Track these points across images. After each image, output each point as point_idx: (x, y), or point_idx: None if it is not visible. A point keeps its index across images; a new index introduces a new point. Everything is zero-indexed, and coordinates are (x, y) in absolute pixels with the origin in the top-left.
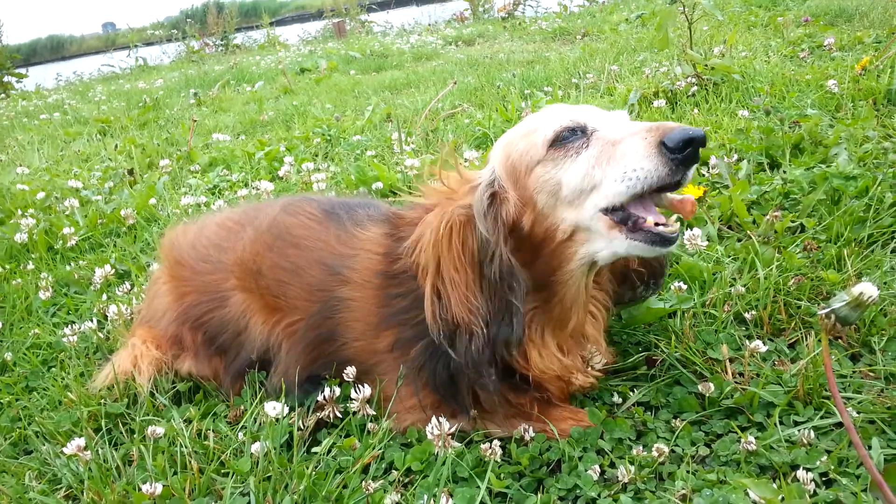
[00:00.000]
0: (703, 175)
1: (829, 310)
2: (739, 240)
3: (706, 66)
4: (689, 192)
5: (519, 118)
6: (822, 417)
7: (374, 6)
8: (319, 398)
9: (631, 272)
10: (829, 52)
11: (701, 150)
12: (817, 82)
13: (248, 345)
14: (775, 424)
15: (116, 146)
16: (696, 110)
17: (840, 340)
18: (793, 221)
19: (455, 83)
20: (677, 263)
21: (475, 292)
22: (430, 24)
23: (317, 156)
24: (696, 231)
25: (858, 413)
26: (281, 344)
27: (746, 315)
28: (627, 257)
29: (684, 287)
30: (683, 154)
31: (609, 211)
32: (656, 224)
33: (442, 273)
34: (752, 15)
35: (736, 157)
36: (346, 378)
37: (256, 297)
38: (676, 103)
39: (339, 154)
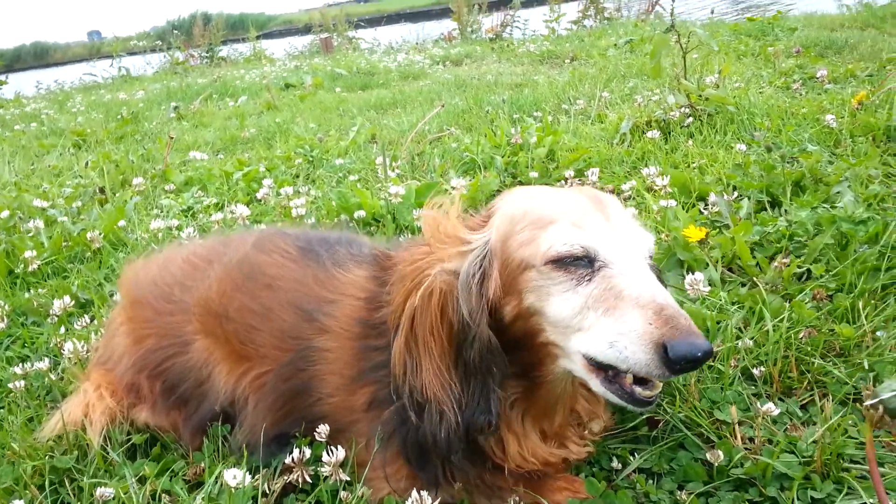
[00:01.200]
0: (703, 213)
1: (876, 400)
2: (743, 284)
3: (700, 96)
4: (691, 233)
5: (508, 144)
6: (846, 496)
7: (362, 23)
8: (287, 460)
9: None
10: (822, 84)
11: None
12: (814, 116)
13: (212, 396)
14: (793, 502)
15: (87, 163)
16: (690, 142)
17: (891, 433)
18: (799, 266)
19: (443, 105)
20: None
21: (449, 367)
22: (417, 43)
23: (297, 177)
24: (698, 276)
25: (887, 492)
26: (248, 398)
27: (755, 371)
28: None
29: None
30: (681, 367)
31: (586, 355)
32: (635, 382)
33: (416, 331)
34: (741, 44)
35: (736, 194)
36: (317, 437)
37: (221, 343)
38: (670, 133)
39: (322, 177)
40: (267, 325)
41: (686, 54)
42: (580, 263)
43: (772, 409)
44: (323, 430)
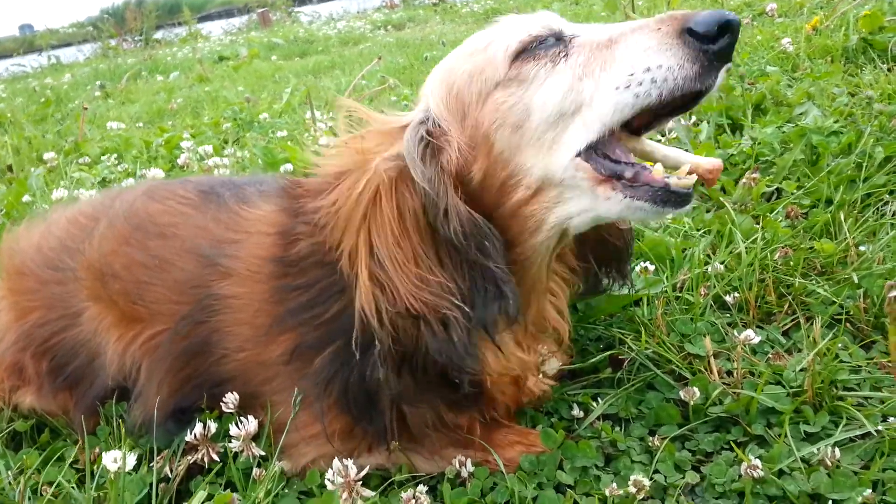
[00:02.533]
0: (660, 140)
1: None
2: (708, 210)
3: None
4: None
5: None
6: (845, 427)
7: None
8: (190, 437)
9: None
10: (773, 19)
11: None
12: (768, 43)
13: (104, 371)
14: (784, 439)
15: None
16: None
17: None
18: (768, 186)
19: (380, 59)
20: (639, 240)
21: (433, 266)
22: (358, 12)
23: (226, 142)
24: None
25: (885, 418)
26: (140, 365)
27: (728, 298)
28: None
29: (651, 268)
30: (719, 43)
31: (594, 153)
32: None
33: (377, 253)
34: None
35: (693, 119)
36: (225, 408)
37: (110, 307)
38: None
39: (252, 138)
40: (160, 277)
41: None
42: (548, 45)
43: (751, 336)
44: (231, 399)
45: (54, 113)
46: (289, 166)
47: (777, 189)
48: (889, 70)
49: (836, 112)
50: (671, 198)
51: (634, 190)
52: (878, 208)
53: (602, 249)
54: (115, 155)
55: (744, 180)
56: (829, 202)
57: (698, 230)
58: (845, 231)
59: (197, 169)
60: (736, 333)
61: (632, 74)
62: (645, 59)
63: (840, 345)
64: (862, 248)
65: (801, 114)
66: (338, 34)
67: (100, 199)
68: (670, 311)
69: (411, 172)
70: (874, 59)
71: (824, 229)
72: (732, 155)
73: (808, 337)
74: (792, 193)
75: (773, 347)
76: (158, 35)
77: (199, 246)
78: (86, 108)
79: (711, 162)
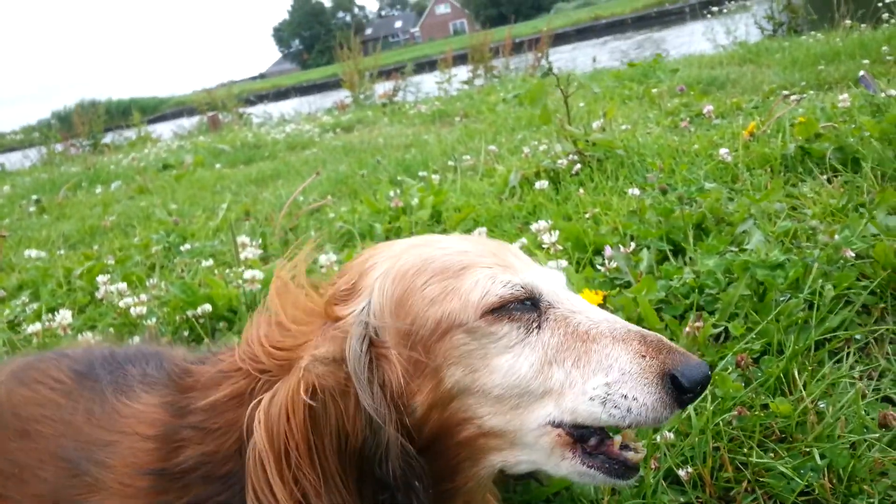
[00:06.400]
0: (599, 270)
1: None
2: None
3: (587, 142)
4: (587, 298)
5: (388, 208)
6: None
7: (252, 98)
8: None
9: None
10: (710, 120)
11: None
12: (706, 151)
13: None
14: None
15: None
16: (581, 190)
17: None
18: (714, 326)
19: (318, 174)
20: None
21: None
22: (309, 113)
23: (153, 268)
24: None
25: None
26: None
27: (681, 472)
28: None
29: None
30: (692, 397)
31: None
32: (622, 447)
33: (289, 470)
34: (625, 89)
35: (633, 244)
36: None
37: None
38: (560, 183)
39: (178, 265)
40: (20, 490)
41: (567, 98)
42: (524, 307)
43: None
44: None
45: None
46: (206, 307)
47: (725, 329)
48: (829, 181)
49: (780, 236)
50: (622, 471)
51: (592, 459)
52: (834, 352)
53: None
54: (30, 291)
55: (687, 329)
56: (781, 348)
57: None
58: (801, 387)
59: (117, 303)
60: None
61: (608, 394)
62: (627, 387)
63: None
64: (821, 406)
65: (743, 232)
66: (286, 138)
67: None
68: (618, 491)
69: (357, 389)
70: (812, 170)
71: (777, 385)
72: (675, 287)
73: None
74: (740, 336)
75: None
76: (108, 138)
77: (65, 449)
78: (4, 236)
79: None
